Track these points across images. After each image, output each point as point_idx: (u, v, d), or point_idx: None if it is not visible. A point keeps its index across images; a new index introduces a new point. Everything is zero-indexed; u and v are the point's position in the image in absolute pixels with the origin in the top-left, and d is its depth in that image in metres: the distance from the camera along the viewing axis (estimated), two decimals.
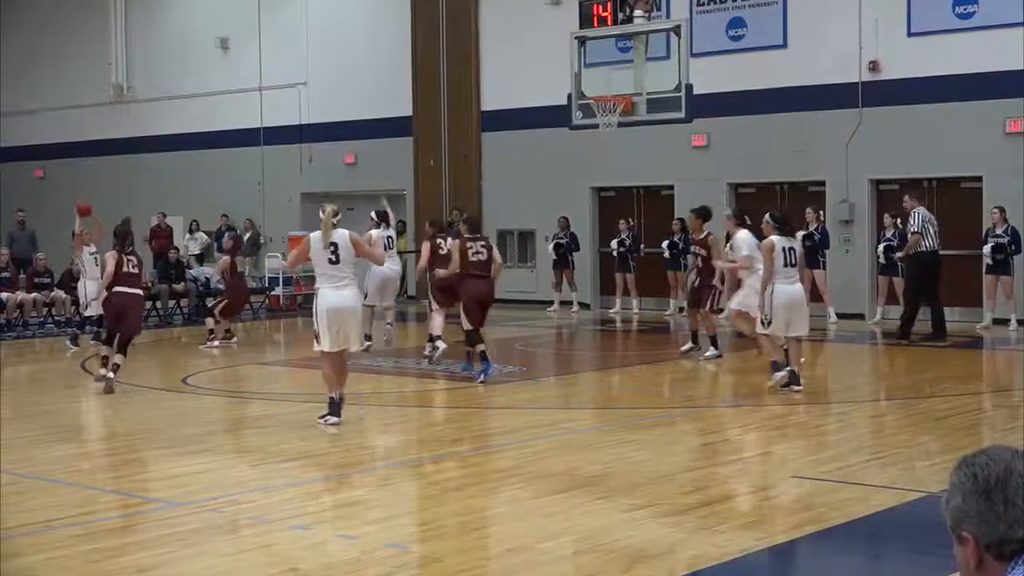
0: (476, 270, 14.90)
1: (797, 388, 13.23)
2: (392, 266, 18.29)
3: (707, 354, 16.64)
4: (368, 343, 16.05)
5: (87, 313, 18.53)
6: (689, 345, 17.14)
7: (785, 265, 13.36)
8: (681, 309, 23.71)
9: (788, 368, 13.33)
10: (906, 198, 19.79)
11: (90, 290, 18.01)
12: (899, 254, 19.82)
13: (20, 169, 35.13)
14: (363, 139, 28.85)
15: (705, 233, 16.51)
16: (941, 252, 20.10)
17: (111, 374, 14.39)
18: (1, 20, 35.79)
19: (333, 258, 11.56)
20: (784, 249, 13.39)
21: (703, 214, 16.56)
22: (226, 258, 19.97)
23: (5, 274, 22.44)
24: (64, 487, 9.31)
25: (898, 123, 21.80)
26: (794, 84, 22.83)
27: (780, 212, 14.47)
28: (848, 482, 8.87)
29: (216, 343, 19.08)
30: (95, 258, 18.19)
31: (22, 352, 19.78)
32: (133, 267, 15.17)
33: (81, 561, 7.22)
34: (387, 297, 18.54)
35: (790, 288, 13.39)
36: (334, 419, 11.62)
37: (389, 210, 18.80)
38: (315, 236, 11.75)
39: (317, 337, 11.60)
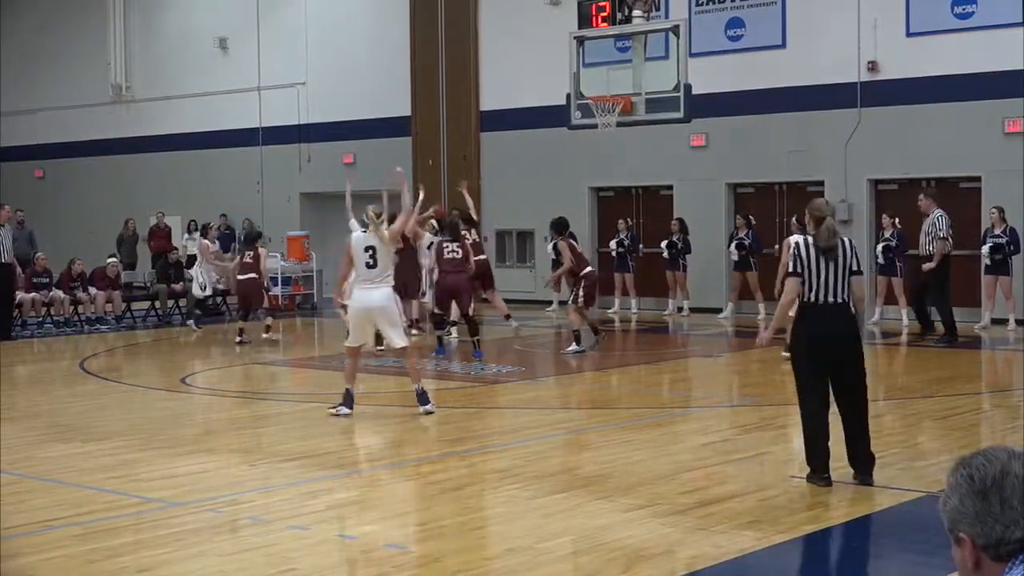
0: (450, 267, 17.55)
1: None
2: None
3: (571, 349, 17.64)
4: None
5: (206, 294, 23.19)
6: (574, 345, 17.76)
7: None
8: (680, 309, 23.76)
9: None
10: (922, 197, 19.25)
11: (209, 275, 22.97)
12: (931, 264, 18.37)
13: (20, 169, 35.12)
14: (362, 139, 28.85)
15: (559, 240, 18.12)
16: None
17: (241, 339, 19.40)
18: (1, 20, 35.81)
19: (371, 262, 12.17)
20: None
21: (558, 227, 18.12)
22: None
23: None
24: (63, 487, 9.31)
25: (897, 123, 21.80)
26: (793, 84, 22.83)
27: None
28: (846, 482, 8.88)
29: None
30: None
31: (21, 352, 19.78)
32: (249, 258, 19.96)
33: (80, 561, 7.23)
34: None
35: None
36: (345, 410, 12.21)
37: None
38: (356, 237, 12.30)
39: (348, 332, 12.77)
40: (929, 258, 18.37)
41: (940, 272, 18.34)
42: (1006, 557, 2.55)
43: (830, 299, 8.74)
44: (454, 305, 18.66)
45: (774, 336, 9.82)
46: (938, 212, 18.62)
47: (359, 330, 12.45)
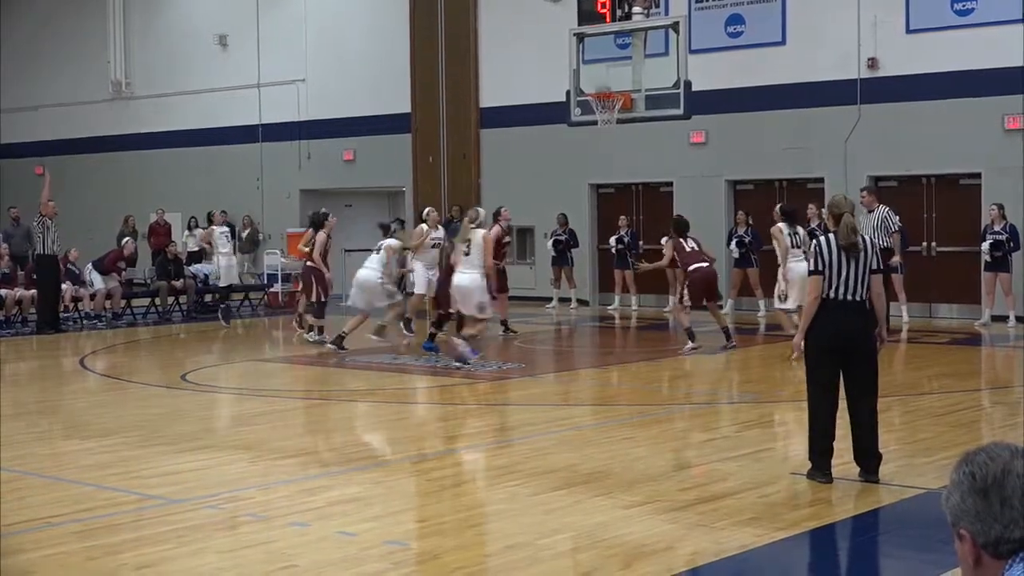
0: None
1: None
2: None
3: (688, 347, 17.18)
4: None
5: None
6: (690, 343, 17.24)
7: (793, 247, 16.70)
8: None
9: None
10: (864, 194, 19.39)
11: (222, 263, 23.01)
12: (897, 258, 18.99)
13: (20, 166, 35.11)
14: (362, 136, 28.84)
15: (670, 238, 17.61)
16: (940, 249, 20.09)
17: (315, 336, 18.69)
18: (1, 17, 35.81)
19: (467, 250, 15.65)
20: (790, 234, 16.81)
21: (675, 226, 17.53)
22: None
23: (4, 270, 22.44)
24: (64, 483, 9.31)
25: (897, 120, 21.80)
26: (793, 81, 22.83)
27: (787, 205, 18.05)
28: (847, 479, 8.88)
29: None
30: (225, 236, 22.77)
31: (21, 349, 19.78)
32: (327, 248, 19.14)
33: (81, 558, 7.22)
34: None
35: (800, 266, 15.74)
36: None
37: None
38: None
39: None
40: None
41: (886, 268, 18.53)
42: (1006, 555, 2.55)
43: (849, 296, 8.73)
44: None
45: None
46: (884, 208, 18.81)
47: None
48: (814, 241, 9.02)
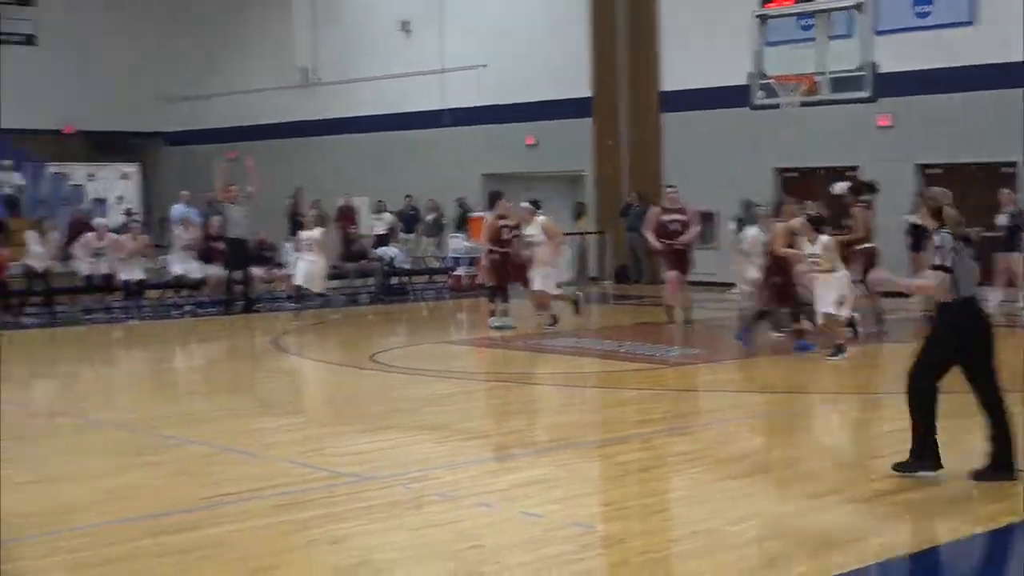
0: None
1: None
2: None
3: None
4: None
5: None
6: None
7: None
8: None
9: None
10: (1006, 192, 18.96)
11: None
12: None
13: (210, 151, 36.15)
14: (543, 120, 28.99)
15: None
16: None
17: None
18: (191, 7, 36.99)
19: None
20: None
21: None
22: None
23: (218, 244, 22.71)
24: (257, 459, 9.62)
25: None
26: (983, 62, 22.14)
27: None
28: None
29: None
30: (309, 243, 21.92)
31: (216, 328, 20.38)
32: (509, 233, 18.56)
33: (276, 532, 7.46)
34: None
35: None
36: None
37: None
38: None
39: None
40: None
41: None
42: None
43: (972, 291, 8.48)
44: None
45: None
46: None
47: None
48: (940, 237, 8.54)
